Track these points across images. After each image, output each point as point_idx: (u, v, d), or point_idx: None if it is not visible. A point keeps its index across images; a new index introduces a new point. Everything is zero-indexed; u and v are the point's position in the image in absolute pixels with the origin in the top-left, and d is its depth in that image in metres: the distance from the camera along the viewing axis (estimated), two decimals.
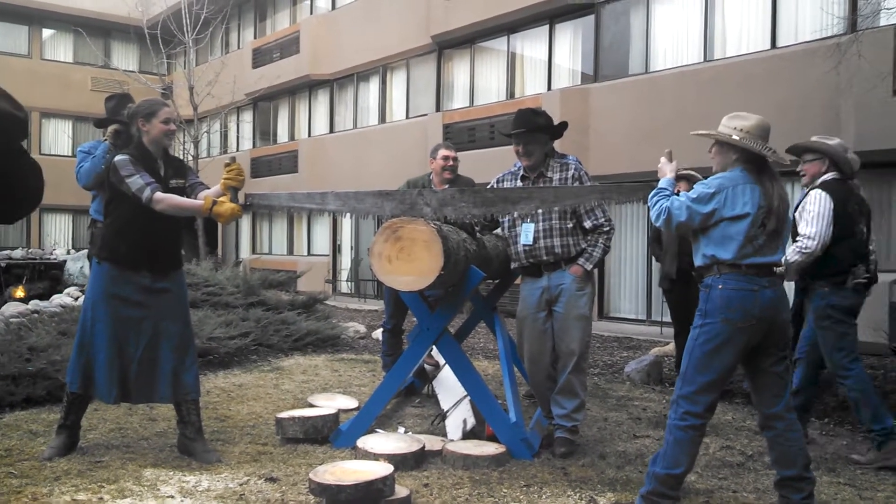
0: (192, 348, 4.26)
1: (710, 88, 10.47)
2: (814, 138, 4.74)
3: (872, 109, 8.72)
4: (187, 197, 4.14)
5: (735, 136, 3.42)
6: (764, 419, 3.48)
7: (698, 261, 3.48)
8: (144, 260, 4.09)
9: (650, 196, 3.59)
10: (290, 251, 20.32)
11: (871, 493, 3.90)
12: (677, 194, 3.52)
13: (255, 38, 22.11)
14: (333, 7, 19.02)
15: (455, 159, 5.87)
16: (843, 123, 9.01)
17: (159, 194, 3.96)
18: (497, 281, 5.80)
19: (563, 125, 4.72)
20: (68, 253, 14.94)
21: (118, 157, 4.01)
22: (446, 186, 5.64)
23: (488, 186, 4.82)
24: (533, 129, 4.58)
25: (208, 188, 4.21)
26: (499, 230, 5.01)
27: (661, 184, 3.59)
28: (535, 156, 4.60)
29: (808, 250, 4.36)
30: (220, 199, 3.98)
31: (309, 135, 19.82)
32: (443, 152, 5.89)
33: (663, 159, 3.69)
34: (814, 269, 4.46)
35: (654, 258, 7.11)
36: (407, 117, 16.63)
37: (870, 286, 4.66)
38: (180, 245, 4.38)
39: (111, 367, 4.05)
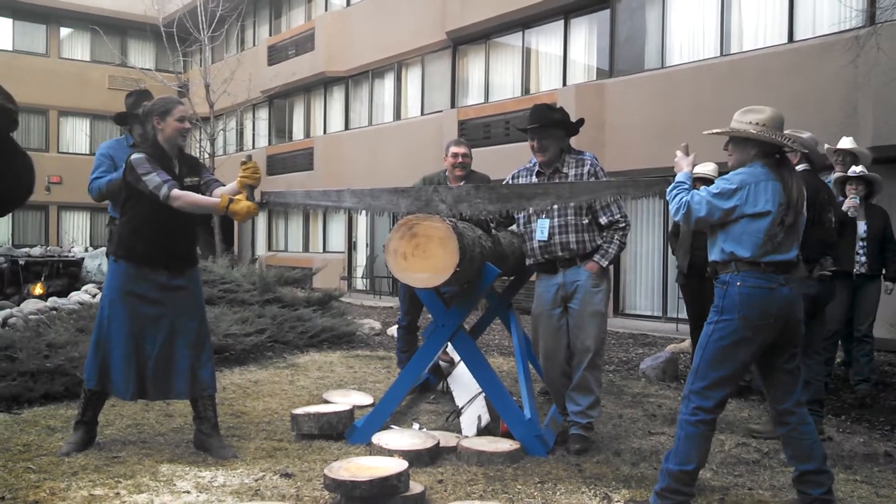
0: (208, 345, 4.28)
1: (726, 83, 10.40)
2: (786, 131, 4.80)
3: (891, 103, 8.63)
4: (202, 194, 4.16)
5: (752, 130, 3.39)
6: (777, 415, 3.48)
7: (714, 255, 3.43)
8: (161, 258, 4.11)
9: (668, 190, 3.55)
10: (306, 248, 20.39)
11: (888, 491, 3.86)
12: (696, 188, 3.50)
13: (270, 35, 22.20)
14: (348, 3, 19.04)
15: (465, 155, 5.82)
16: (861, 117, 8.92)
17: (176, 191, 3.97)
18: (512, 277, 5.80)
19: (580, 122, 4.69)
20: (86, 250, 15.02)
21: (134, 156, 4.04)
22: (461, 183, 5.63)
23: (503, 182, 4.81)
24: (548, 125, 4.55)
25: (223, 185, 4.23)
26: (514, 227, 4.99)
27: (679, 178, 3.56)
28: (551, 151, 4.58)
29: None
30: (237, 197, 4.00)
31: (324, 132, 19.86)
32: (453, 149, 5.85)
33: (679, 153, 3.66)
34: None
35: (671, 251, 7.10)
36: (422, 114, 16.63)
37: (835, 280, 4.85)
38: (196, 243, 4.40)
39: (128, 363, 4.08)
